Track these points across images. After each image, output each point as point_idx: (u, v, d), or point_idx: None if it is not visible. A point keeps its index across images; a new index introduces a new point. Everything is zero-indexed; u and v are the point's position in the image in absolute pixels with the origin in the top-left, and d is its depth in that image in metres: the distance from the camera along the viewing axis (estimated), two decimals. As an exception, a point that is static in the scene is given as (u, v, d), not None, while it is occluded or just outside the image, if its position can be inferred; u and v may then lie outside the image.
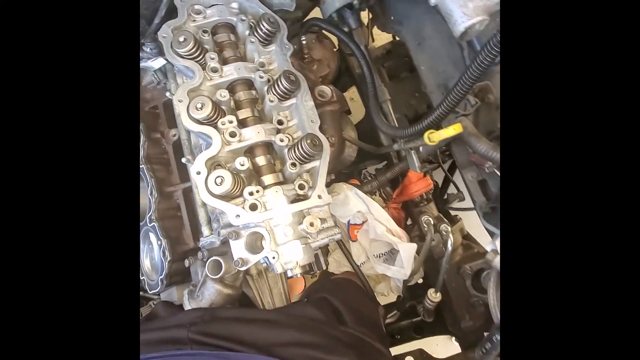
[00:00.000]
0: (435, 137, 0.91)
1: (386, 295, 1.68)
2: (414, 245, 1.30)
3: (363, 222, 1.45)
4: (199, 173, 0.97)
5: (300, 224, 1.00)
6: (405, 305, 1.68)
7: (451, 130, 0.89)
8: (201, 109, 0.99)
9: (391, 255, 1.50)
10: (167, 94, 1.27)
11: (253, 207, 0.98)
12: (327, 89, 1.29)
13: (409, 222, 1.60)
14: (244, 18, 1.19)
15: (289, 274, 0.98)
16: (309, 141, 1.04)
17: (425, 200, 1.42)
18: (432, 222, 1.33)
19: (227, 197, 0.97)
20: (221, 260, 1.05)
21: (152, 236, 1.35)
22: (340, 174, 1.65)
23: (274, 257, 0.95)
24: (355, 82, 1.72)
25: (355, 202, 1.37)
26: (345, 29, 1.34)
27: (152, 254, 1.37)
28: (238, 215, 0.95)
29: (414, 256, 1.31)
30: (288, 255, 0.96)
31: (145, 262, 1.35)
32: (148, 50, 1.33)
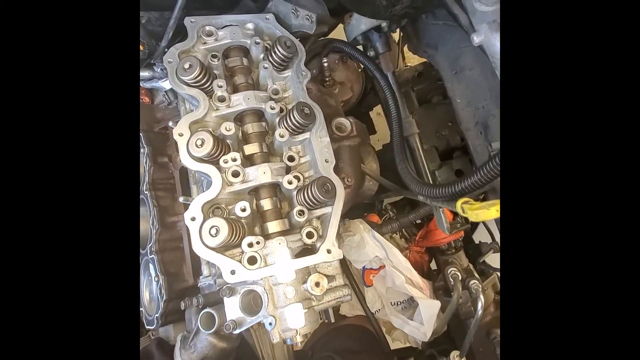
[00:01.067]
0: (472, 214, 0.72)
1: (402, 344, 1.51)
2: (437, 304, 1.14)
3: (380, 267, 1.30)
4: (193, 219, 0.86)
5: (305, 283, 0.88)
6: (425, 355, 1.51)
7: (493, 212, 0.68)
8: (201, 146, 0.89)
9: (410, 303, 1.34)
10: (173, 125, 1.18)
11: (252, 261, 0.86)
12: (346, 122, 1.15)
13: (432, 264, 1.44)
14: (258, 41, 1.08)
15: (288, 342, 0.85)
16: (320, 186, 0.91)
17: (453, 249, 1.24)
18: (459, 277, 1.16)
19: (222, 247, 0.86)
20: (215, 315, 0.94)
21: (151, 267, 1.27)
22: (359, 204, 1.51)
23: (270, 323, 0.82)
24: (380, 100, 1.58)
25: (372, 246, 1.22)
26: (372, 53, 1.20)
27: (152, 286, 1.29)
28: (233, 272, 0.83)
29: (437, 314, 1.14)
30: (288, 321, 0.83)
31: (145, 294, 1.27)
32: (159, 70, 1.25)
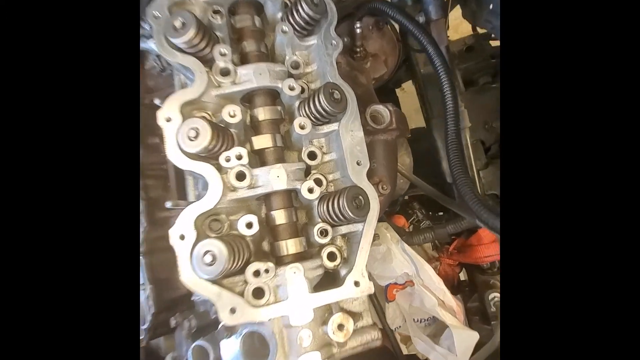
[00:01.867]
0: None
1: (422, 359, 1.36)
2: (476, 336, 0.95)
3: (406, 282, 1.11)
4: (182, 237, 0.65)
5: (325, 325, 0.68)
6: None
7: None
8: (195, 138, 0.66)
9: (434, 320, 1.16)
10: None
11: (258, 294, 0.66)
12: (384, 110, 0.90)
13: (462, 275, 1.25)
14: (275, -7, 0.81)
15: (300, 401, 0.66)
16: (350, 200, 0.68)
17: (496, 268, 1.04)
18: (504, 305, 0.96)
19: (222, 273, 0.65)
20: (209, 350, 0.75)
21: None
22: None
23: (279, 379, 0.64)
24: (415, 78, 1.31)
25: (400, 260, 1.02)
26: (421, 20, 0.92)
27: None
28: (234, 310, 0.63)
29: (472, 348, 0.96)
30: (301, 378, 0.64)
31: (129, 300, 1.10)
32: (148, 28, 0.98)
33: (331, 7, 0.83)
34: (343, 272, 0.73)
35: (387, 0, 0.91)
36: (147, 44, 1.03)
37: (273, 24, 0.85)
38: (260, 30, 0.84)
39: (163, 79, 1.15)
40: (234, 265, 0.65)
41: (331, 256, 0.74)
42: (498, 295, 0.99)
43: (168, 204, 0.79)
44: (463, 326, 0.98)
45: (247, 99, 0.80)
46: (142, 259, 0.99)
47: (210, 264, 0.61)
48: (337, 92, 0.74)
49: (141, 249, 1.00)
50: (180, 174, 1.09)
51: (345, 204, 0.68)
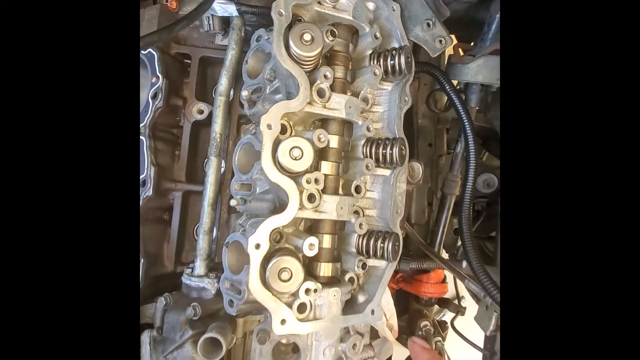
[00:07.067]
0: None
1: None
2: (407, 353, 1.20)
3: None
4: (257, 246, 0.67)
5: (342, 342, 0.79)
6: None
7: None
8: (299, 159, 0.68)
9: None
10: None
11: (302, 309, 0.73)
12: (418, 167, 1.04)
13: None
14: (379, 35, 0.86)
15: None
16: (393, 244, 0.81)
17: (430, 301, 1.32)
18: (432, 332, 1.25)
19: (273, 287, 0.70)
20: (222, 341, 0.77)
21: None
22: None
23: (303, 384, 0.73)
24: (411, 127, 1.47)
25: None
26: (461, 100, 1.09)
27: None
28: (284, 322, 0.69)
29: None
30: (319, 384, 0.75)
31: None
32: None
33: (412, 71, 0.91)
34: (361, 299, 0.85)
35: (446, 73, 1.05)
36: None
37: (359, 56, 0.90)
38: (350, 57, 0.87)
39: (199, 35, 1.03)
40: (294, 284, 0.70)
41: (351, 280, 0.86)
42: (428, 323, 1.27)
43: (233, 202, 0.77)
44: (399, 344, 1.22)
45: (322, 122, 0.84)
46: (133, 227, 0.90)
47: (287, 281, 0.65)
48: (404, 149, 0.85)
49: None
50: (193, 148, 1.02)
51: (390, 247, 0.80)
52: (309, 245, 0.74)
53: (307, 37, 0.69)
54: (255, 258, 0.66)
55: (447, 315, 1.48)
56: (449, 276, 1.50)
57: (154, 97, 0.93)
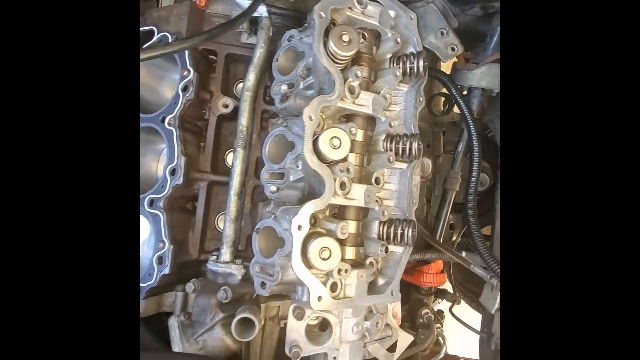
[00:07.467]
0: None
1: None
2: (411, 338, 1.28)
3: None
4: (300, 228, 0.72)
5: (367, 320, 0.86)
6: None
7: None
8: (338, 148, 0.74)
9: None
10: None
11: (333, 288, 0.79)
12: (428, 163, 1.13)
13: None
14: (399, 40, 0.94)
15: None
16: (412, 231, 0.89)
17: (431, 292, 1.41)
18: (432, 319, 1.33)
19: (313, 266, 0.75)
20: (255, 320, 0.82)
21: (143, 221, 0.99)
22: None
23: (334, 357, 0.78)
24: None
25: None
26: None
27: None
28: (320, 298, 0.74)
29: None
30: (348, 358, 0.80)
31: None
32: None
33: (426, 74, 1.00)
34: (381, 281, 0.92)
35: (451, 77, 1.15)
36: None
37: (380, 59, 0.98)
38: (374, 60, 0.95)
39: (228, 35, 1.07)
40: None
41: (371, 264, 0.92)
42: (429, 311, 1.35)
43: (269, 192, 0.82)
44: (402, 330, 1.30)
45: (348, 117, 0.91)
46: (161, 215, 0.94)
47: (327, 259, 0.71)
48: (422, 145, 0.94)
49: (162, 204, 0.94)
50: (218, 138, 1.06)
51: (409, 233, 0.88)
52: (342, 228, 0.80)
53: (345, 37, 0.77)
54: (298, 238, 0.72)
55: (442, 305, 1.58)
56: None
57: (184, 89, 0.96)
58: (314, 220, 0.80)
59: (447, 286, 1.68)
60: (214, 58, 1.06)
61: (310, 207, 0.74)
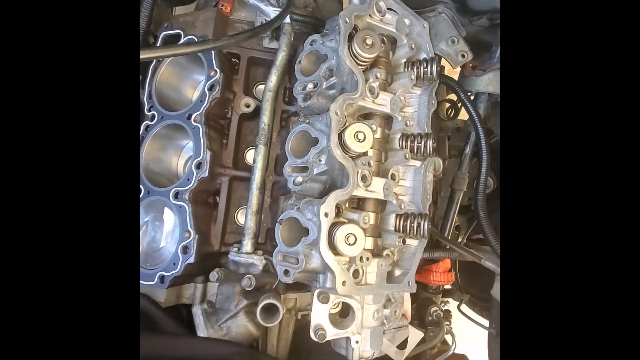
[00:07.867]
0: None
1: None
2: (421, 334, 1.31)
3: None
4: (326, 215, 0.77)
5: (385, 308, 0.90)
6: None
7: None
8: (363, 141, 0.79)
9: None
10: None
11: (355, 274, 0.83)
12: (439, 162, 1.19)
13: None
14: (414, 47, 1.01)
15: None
16: (427, 224, 0.94)
17: (438, 289, 1.45)
18: (442, 316, 1.37)
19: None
20: (279, 306, 0.85)
21: (167, 214, 1.03)
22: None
23: (357, 342, 0.82)
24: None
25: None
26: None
27: (156, 234, 1.05)
28: (344, 283, 0.78)
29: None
30: (369, 343, 0.84)
31: (142, 241, 1.02)
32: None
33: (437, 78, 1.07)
34: (397, 272, 0.96)
35: (459, 83, 1.22)
36: (262, 5, 1.05)
37: (395, 63, 1.04)
38: (390, 64, 1.02)
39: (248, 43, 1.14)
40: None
41: (387, 256, 0.97)
42: (437, 309, 1.39)
43: (290, 183, 0.86)
44: (413, 327, 1.33)
45: (366, 116, 0.96)
46: (187, 206, 0.98)
47: (352, 244, 0.76)
48: (435, 143, 0.99)
49: (187, 196, 0.98)
50: (239, 136, 1.11)
51: (425, 226, 0.93)
52: (364, 217, 0.85)
53: (369, 41, 0.83)
54: (325, 224, 0.76)
55: (449, 306, 1.61)
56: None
57: (211, 88, 1.02)
58: (338, 210, 0.84)
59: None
60: (236, 61, 1.12)
61: (336, 196, 0.79)
